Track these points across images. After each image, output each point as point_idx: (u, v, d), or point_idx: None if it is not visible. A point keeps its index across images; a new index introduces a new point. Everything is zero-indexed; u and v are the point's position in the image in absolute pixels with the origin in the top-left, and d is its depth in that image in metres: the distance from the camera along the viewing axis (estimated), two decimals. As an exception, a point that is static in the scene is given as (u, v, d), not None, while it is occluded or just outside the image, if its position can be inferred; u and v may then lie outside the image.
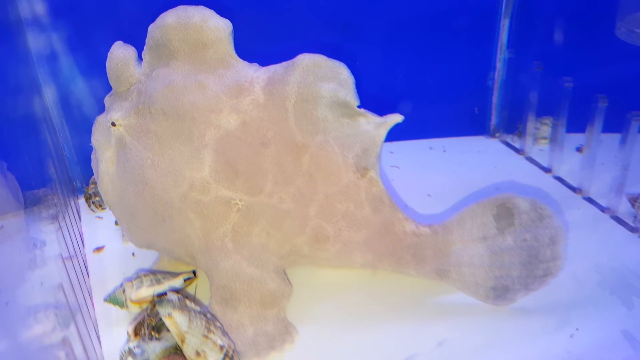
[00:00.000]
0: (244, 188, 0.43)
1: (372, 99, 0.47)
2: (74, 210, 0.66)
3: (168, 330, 0.40)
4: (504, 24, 0.77)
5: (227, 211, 0.44)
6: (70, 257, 0.56)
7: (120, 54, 0.45)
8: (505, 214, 0.44)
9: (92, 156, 0.49)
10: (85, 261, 0.57)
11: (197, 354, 0.38)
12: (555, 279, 0.45)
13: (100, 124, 0.46)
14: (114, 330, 0.47)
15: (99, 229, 0.63)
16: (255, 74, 0.43)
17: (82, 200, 0.67)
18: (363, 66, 0.74)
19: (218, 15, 0.43)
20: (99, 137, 0.46)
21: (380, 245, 0.45)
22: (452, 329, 0.45)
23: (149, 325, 0.40)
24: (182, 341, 0.38)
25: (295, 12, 0.69)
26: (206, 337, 0.38)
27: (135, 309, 0.46)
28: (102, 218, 0.65)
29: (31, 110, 0.62)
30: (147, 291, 0.46)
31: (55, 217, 0.60)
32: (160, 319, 0.40)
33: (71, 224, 0.62)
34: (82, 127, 0.67)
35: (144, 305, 0.46)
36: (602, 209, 0.61)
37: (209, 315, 0.41)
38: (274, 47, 0.55)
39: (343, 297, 0.49)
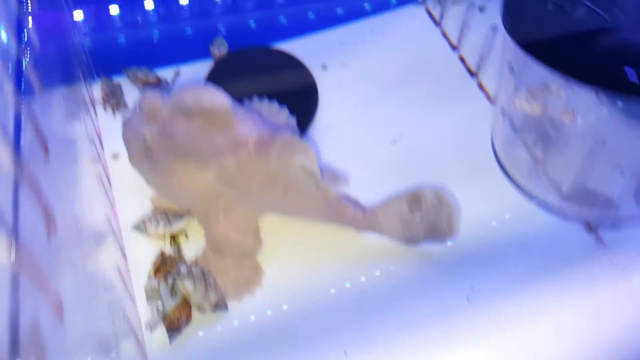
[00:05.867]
0: (236, 194, 0.60)
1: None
2: (89, 101, 0.75)
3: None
4: None
5: (221, 194, 0.61)
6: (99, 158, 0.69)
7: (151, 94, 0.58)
8: (415, 201, 0.62)
9: (123, 131, 0.63)
10: (106, 167, 0.72)
11: (199, 305, 0.59)
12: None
13: (132, 130, 0.61)
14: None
15: (114, 129, 0.72)
16: (249, 134, 0.58)
17: (95, 87, 0.77)
18: None
19: (223, 95, 0.55)
20: (129, 137, 0.61)
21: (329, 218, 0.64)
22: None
23: (169, 284, 0.60)
24: (189, 298, 0.59)
25: None
26: (204, 297, 0.59)
27: (154, 240, 0.66)
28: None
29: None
30: (163, 229, 0.65)
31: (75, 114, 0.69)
32: (175, 282, 0.60)
33: (92, 121, 0.72)
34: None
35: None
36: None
37: (206, 275, 0.61)
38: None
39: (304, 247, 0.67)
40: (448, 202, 0.62)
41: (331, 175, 0.56)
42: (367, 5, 0.91)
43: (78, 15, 0.83)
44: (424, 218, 0.62)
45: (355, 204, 0.64)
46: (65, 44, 0.71)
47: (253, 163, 0.58)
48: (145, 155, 0.61)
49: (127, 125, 0.61)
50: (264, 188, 0.59)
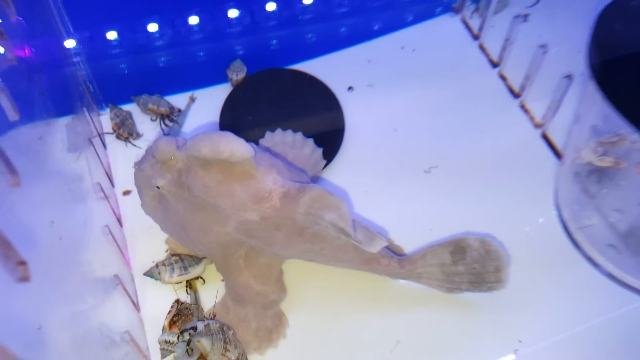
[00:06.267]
0: (258, 243, 0.54)
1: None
2: (97, 132, 0.70)
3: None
4: None
5: (242, 242, 0.55)
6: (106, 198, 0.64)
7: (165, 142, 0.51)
8: (459, 251, 0.56)
9: (135, 177, 0.57)
10: (117, 205, 0.67)
11: (217, 365, 0.54)
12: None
13: (144, 177, 0.54)
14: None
15: (126, 162, 0.68)
16: (273, 187, 0.51)
17: (103, 117, 0.73)
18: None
19: (243, 143, 0.48)
20: (141, 184, 0.56)
21: (360, 266, 0.57)
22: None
23: (185, 340, 0.54)
24: (207, 356, 0.54)
25: None
26: (223, 354, 0.54)
27: (169, 285, 0.61)
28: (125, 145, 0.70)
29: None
30: (178, 278, 0.60)
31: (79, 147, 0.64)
32: (191, 339, 0.54)
33: (97, 154, 0.67)
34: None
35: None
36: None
37: (225, 330, 0.55)
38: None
39: (332, 292, 0.61)
40: (496, 252, 0.56)
41: (367, 233, 0.50)
42: (409, 17, 0.83)
43: (80, 41, 0.76)
44: (468, 269, 0.56)
45: (390, 250, 0.58)
46: (62, 73, 0.66)
47: (278, 217, 0.52)
48: (159, 203, 0.55)
49: (139, 171, 0.56)
50: (290, 239, 0.53)
